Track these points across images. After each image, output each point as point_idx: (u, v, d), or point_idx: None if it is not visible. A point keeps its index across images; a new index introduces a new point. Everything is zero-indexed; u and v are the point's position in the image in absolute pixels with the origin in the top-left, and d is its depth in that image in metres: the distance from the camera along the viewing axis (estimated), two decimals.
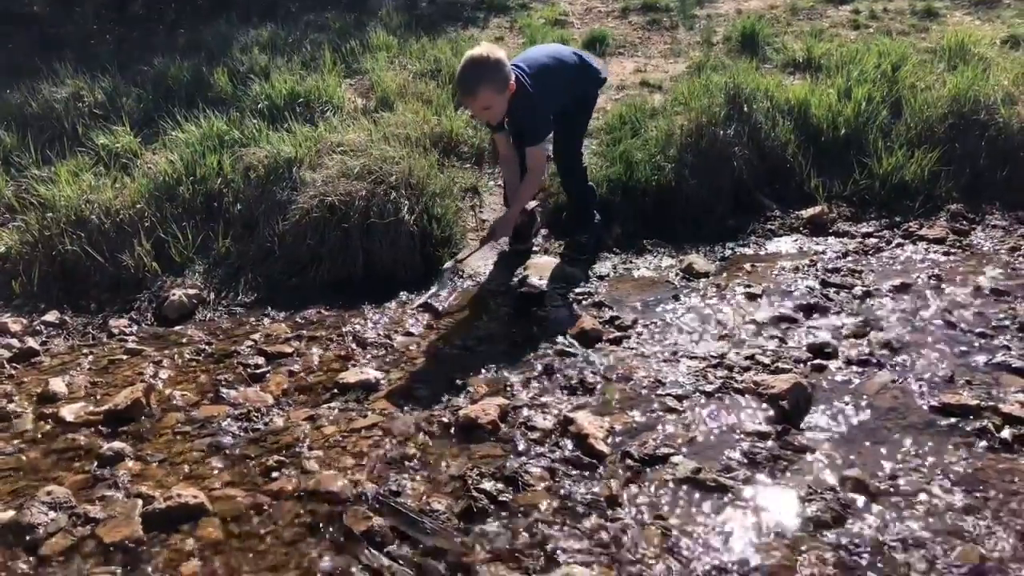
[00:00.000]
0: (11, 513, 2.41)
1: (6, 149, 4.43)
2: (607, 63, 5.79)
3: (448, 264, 3.81)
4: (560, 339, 3.27)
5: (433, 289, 3.73)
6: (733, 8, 6.66)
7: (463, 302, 3.65)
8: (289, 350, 3.31)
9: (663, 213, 4.22)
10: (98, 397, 3.04)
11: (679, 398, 2.84)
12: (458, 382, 3.01)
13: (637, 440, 2.63)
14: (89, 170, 4.27)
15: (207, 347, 3.36)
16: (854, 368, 2.97)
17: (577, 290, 3.68)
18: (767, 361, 3.03)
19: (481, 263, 3.96)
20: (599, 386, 2.95)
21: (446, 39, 5.98)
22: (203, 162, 4.18)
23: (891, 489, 2.39)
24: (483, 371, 3.09)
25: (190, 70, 5.19)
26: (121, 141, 4.49)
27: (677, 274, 3.78)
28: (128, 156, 4.42)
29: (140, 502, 2.44)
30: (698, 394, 2.86)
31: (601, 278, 3.80)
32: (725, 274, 3.76)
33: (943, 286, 3.51)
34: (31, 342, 3.43)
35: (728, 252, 3.98)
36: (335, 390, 3.02)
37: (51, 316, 3.61)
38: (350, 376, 3.08)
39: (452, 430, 2.74)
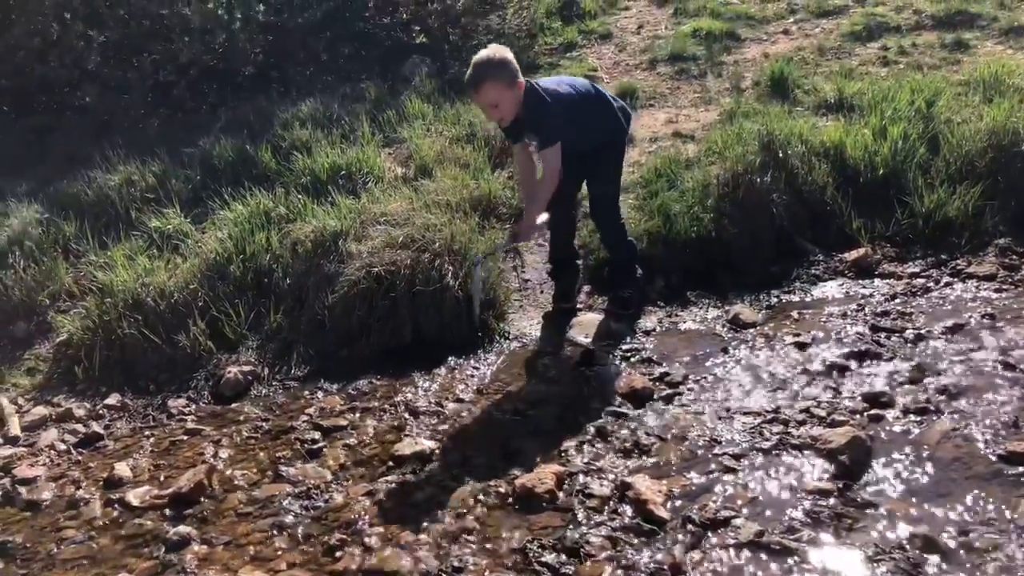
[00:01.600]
0: None
1: (65, 238, 4.62)
2: (638, 115, 5.88)
3: (477, 271, 3.84)
4: (611, 399, 3.28)
5: (475, 306, 3.84)
6: (760, 52, 6.71)
7: (511, 365, 3.68)
8: (344, 423, 3.36)
9: (705, 264, 4.22)
10: (162, 479, 3.11)
11: (736, 457, 2.82)
12: (512, 449, 3.03)
13: (697, 503, 2.61)
14: (143, 253, 4.42)
15: (264, 424, 3.43)
16: (912, 417, 2.92)
17: (624, 347, 3.69)
18: (823, 413, 3.00)
19: (527, 324, 4.00)
20: (654, 447, 2.95)
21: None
22: (251, 239, 4.31)
23: (962, 546, 2.33)
24: (536, 437, 3.10)
25: (234, 149, 5.37)
26: (172, 223, 4.65)
27: (724, 325, 3.77)
28: (179, 237, 4.57)
29: None
30: (755, 452, 2.83)
31: (647, 333, 3.81)
32: (772, 323, 3.74)
33: (998, 325, 3.45)
34: (95, 426, 3.54)
35: (774, 300, 3.97)
36: (391, 462, 3.06)
37: (113, 399, 3.72)
38: (405, 448, 3.11)
39: (509, 500, 2.75)
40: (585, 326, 3.89)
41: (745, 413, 3.07)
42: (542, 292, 4.29)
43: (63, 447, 3.41)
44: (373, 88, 6.38)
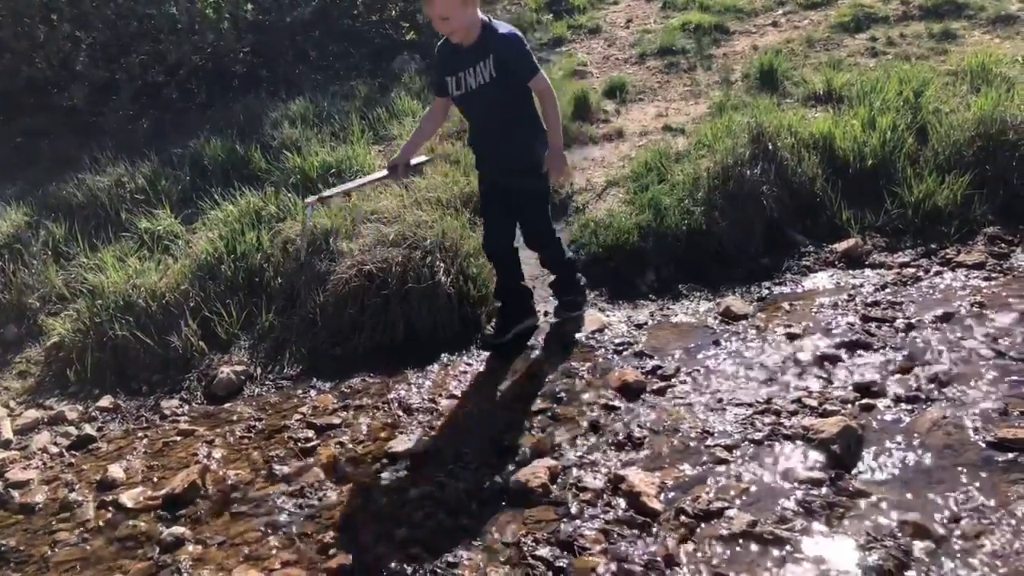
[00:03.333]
0: None
1: (55, 240, 4.60)
2: (628, 110, 5.89)
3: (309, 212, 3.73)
4: (604, 393, 3.29)
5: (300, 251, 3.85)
6: (749, 45, 6.71)
7: (505, 361, 3.69)
8: (337, 421, 3.36)
9: (696, 256, 4.23)
10: (155, 480, 3.11)
11: (728, 448, 2.83)
12: (506, 444, 3.03)
13: (690, 495, 2.62)
14: (134, 254, 4.41)
15: (257, 423, 3.42)
16: (903, 406, 2.93)
17: (617, 341, 3.69)
18: (814, 404, 3.01)
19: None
20: (647, 440, 2.95)
21: None
22: (242, 239, 4.30)
23: (953, 533, 2.35)
24: (530, 432, 3.11)
25: (224, 149, 5.36)
26: (162, 223, 4.64)
27: (715, 318, 3.78)
28: (170, 238, 4.56)
29: None
30: (747, 443, 2.84)
31: (639, 326, 3.82)
32: (764, 315, 3.75)
33: (987, 313, 3.47)
34: (88, 429, 3.53)
35: (765, 292, 3.98)
36: (385, 460, 3.06)
37: (105, 401, 3.71)
38: (399, 445, 3.12)
39: (503, 495, 2.75)
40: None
41: (737, 404, 3.08)
42: (535, 288, 4.28)
43: (56, 450, 3.40)
44: (362, 86, 6.37)
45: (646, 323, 3.84)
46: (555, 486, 2.75)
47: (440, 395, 3.47)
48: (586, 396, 3.29)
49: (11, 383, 3.91)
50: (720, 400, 3.13)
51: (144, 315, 3.96)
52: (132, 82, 5.90)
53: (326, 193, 3.63)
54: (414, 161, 3.63)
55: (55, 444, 3.44)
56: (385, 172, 3.64)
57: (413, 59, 6.89)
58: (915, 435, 2.77)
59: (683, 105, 5.83)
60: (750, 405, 3.06)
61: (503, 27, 3.33)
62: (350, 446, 3.19)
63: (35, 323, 4.18)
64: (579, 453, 2.93)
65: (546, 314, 3.96)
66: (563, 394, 3.33)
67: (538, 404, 3.29)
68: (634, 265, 4.22)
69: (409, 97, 6.00)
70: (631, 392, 3.26)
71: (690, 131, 5.28)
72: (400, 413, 3.38)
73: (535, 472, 2.79)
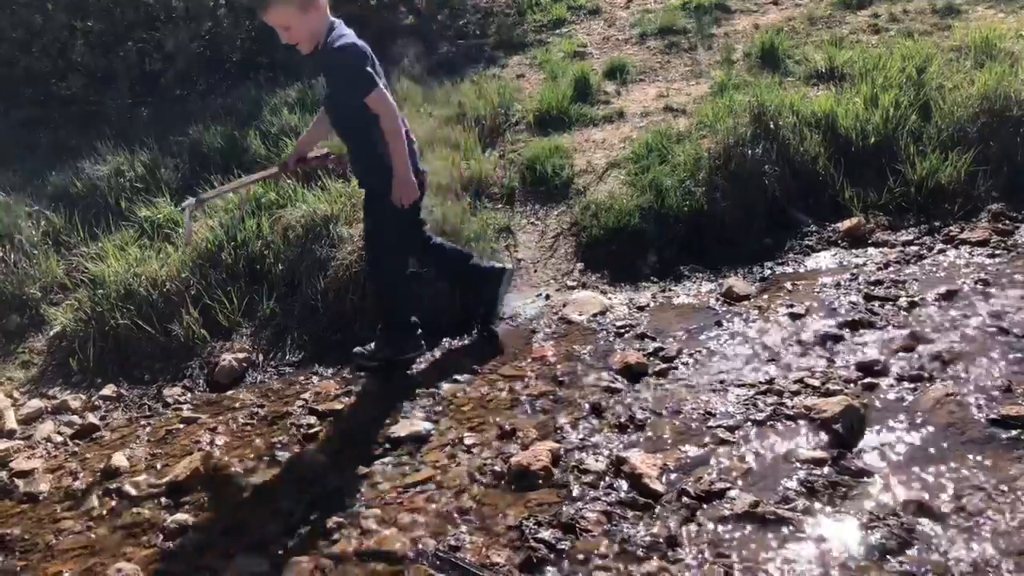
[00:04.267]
0: None
1: (55, 229, 4.59)
2: (629, 91, 5.85)
3: (187, 215, 3.50)
4: (605, 375, 3.28)
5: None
6: (750, 24, 6.66)
7: (505, 345, 3.68)
8: (339, 407, 3.36)
9: (698, 237, 4.21)
10: (159, 468, 3.11)
11: (730, 429, 2.82)
12: (507, 427, 3.03)
13: (692, 476, 2.62)
14: (134, 243, 4.39)
15: (260, 410, 3.42)
16: (906, 384, 2.92)
17: (619, 323, 3.68)
18: (816, 383, 3.00)
19: (520, 303, 4.00)
20: (649, 422, 2.95)
21: (468, 82, 6.07)
22: (242, 226, 4.28)
23: (956, 510, 2.34)
24: (531, 414, 3.11)
25: (223, 136, 5.33)
26: (162, 212, 4.63)
27: (718, 299, 3.77)
28: (170, 226, 4.54)
29: (208, 574, 2.48)
30: (749, 423, 2.84)
31: (641, 308, 3.80)
32: (766, 295, 3.73)
33: (991, 290, 3.45)
34: (91, 417, 3.53)
35: (767, 272, 3.96)
36: (387, 445, 3.06)
37: (108, 390, 3.71)
38: (400, 429, 3.11)
39: (505, 478, 2.75)
40: (580, 304, 3.88)
41: (739, 385, 3.07)
42: (535, 271, 4.28)
43: (60, 439, 3.41)
44: None
45: (648, 305, 3.83)
46: (557, 469, 2.75)
47: (442, 380, 3.46)
48: (588, 379, 3.29)
49: (14, 373, 3.92)
50: (722, 381, 3.12)
51: (146, 304, 3.95)
52: (130, 71, 5.87)
53: (206, 195, 3.42)
54: (309, 155, 3.50)
55: (59, 433, 3.44)
56: (274, 170, 3.49)
57: (412, 43, 6.85)
58: (918, 414, 2.76)
59: (684, 85, 5.79)
60: (752, 386, 3.06)
61: (340, 37, 3.04)
62: (352, 432, 3.18)
63: (37, 313, 4.18)
64: (581, 435, 2.92)
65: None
66: (564, 377, 3.33)
67: (540, 387, 3.28)
68: (635, 247, 4.20)
69: (409, 81, 5.96)
70: (633, 374, 3.26)
71: (691, 111, 5.24)
72: (402, 398, 3.37)
73: (536, 455, 2.78)
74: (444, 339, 3.77)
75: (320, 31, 3.04)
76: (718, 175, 4.35)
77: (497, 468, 2.80)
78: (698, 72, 5.97)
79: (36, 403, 3.67)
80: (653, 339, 3.50)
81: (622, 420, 2.98)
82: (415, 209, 3.41)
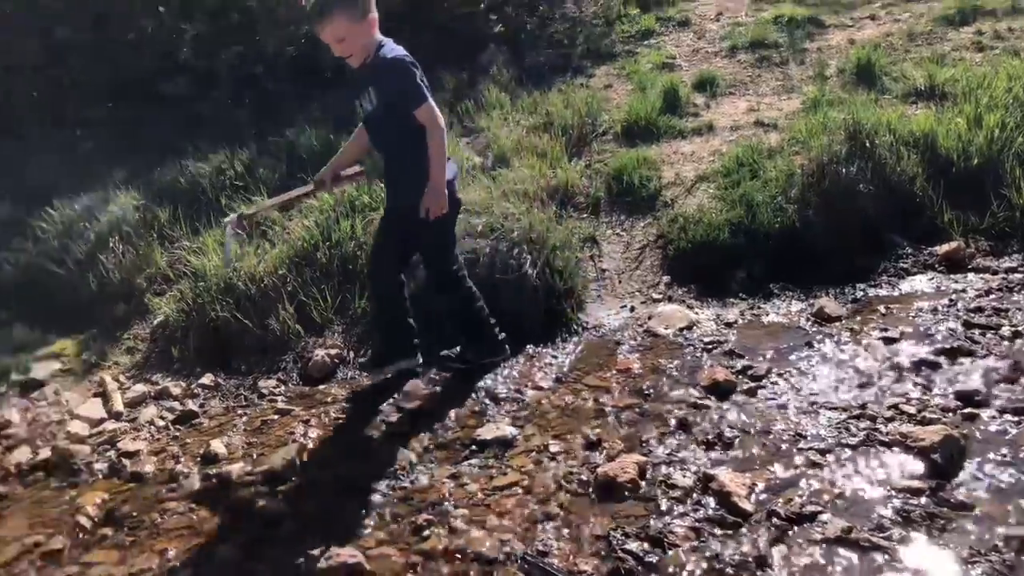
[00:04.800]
0: (187, 572, 2.60)
1: (160, 223, 4.81)
2: (718, 104, 5.81)
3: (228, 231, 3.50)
4: (692, 391, 3.28)
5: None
6: (845, 39, 6.53)
7: (589, 355, 3.71)
8: (427, 406, 3.43)
9: (788, 255, 4.16)
10: (255, 457, 3.24)
11: (822, 452, 2.79)
12: (592, 437, 3.05)
13: (781, 497, 2.60)
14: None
15: (350, 405, 3.53)
16: (1009, 417, 2.83)
17: (706, 339, 3.67)
18: (912, 411, 2.93)
19: (604, 314, 4.02)
20: (737, 440, 2.93)
21: (556, 91, 6.12)
22: (337, 227, 4.41)
23: None
24: (617, 426, 3.13)
25: (319, 138, 5.50)
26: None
27: (808, 319, 3.72)
28: (267, 224, 4.71)
29: (303, 561, 2.58)
30: (841, 447, 2.80)
31: (729, 325, 3.78)
32: (859, 317, 3.67)
33: None
34: (191, 404, 3.70)
35: (860, 294, 3.89)
36: (473, 446, 3.12)
37: (207, 379, 3.88)
38: (486, 432, 3.17)
39: (591, 488, 2.78)
40: (665, 317, 3.88)
41: (831, 408, 3.03)
42: (620, 282, 4.30)
43: (162, 423, 3.58)
44: (451, 78, 6.45)
45: (736, 322, 3.80)
46: (644, 482, 2.76)
47: (526, 386, 3.51)
48: (674, 393, 3.29)
49: (120, 358, 4.12)
50: (813, 403, 3.08)
51: (244, 298, 4.11)
52: (231, 73, 6.11)
53: (248, 211, 3.46)
54: (343, 173, 3.55)
55: (161, 418, 3.61)
56: (311, 187, 3.52)
57: (501, 51, 6.94)
58: (1021, 448, 2.68)
59: (775, 100, 5.72)
60: (844, 409, 3.01)
61: (392, 50, 3.14)
62: (439, 431, 3.26)
63: (142, 302, 4.39)
64: (668, 450, 2.93)
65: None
66: (651, 390, 3.33)
67: (625, 399, 3.30)
68: (724, 262, 4.18)
69: (497, 89, 6.05)
70: (721, 391, 3.24)
71: (783, 127, 5.18)
72: (487, 401, 3.43)
73: (623, 467, 2.80)
74: (528, 345, 3.82)
75: (371, 45, 3.13)
76: (811, 192, 4.30)
77: (583, 477, 2.83)
78: (790, 87, 5.89)
79: (140, 388, 3.86)
80: (741, 357, 3.48)
81: (710, 437, 2.97)
82: (451, 227, 3.51)
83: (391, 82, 3.13)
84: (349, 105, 6.03)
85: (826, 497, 2.58)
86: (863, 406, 3.00)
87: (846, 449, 2.79)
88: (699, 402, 3.20)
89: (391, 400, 3.52)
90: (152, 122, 6.11)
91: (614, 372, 3.53)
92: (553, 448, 3.03)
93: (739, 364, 3.42)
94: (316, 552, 2.60)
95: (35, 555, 2.82)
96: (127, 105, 6.22)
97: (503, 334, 3.69)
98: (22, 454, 3.45)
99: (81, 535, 2.90)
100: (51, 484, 3.26)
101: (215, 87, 6.07)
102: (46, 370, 4.08)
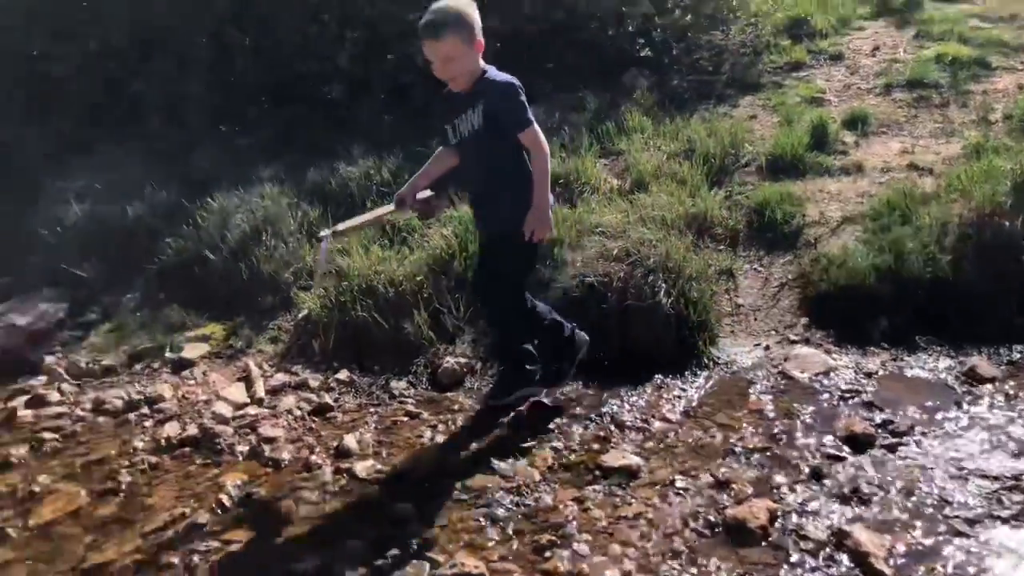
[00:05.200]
0: (318, 561, 2.72)
1: (310, 221, 5.05)
2: (869, 143, 5.60)
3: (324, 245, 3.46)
4: (828, 440, 3.18)
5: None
6: (1013, 83, 6.17)
7: (720, 391, 3.65)
8: (551, 426, 3.46)
9: (938, 308, 3.97)
10: (384, 456, 3.35)
11: (969, 522, 2.65)
12: (721, 477, 3.01)
13: (923, 565, 2.49)
14: (376, 242, 4.74)
15: (477, 416, 3.60)
16: None
17: (843, 387, 3.55)
18: None
19: (737, 351, 3.95)
20: (875, 498, 2.82)
21: (699, 118, 6.06)
22: (473, 238, 4.50)
23: None
24: (746, 468, 3.06)
25: None
26: (402, 217, 4.96)
27: (957, 377, 3.54)
28: (408, 231, 4.87)
29: (428, 565, 2.65)
30: (992, 519, 2.65)
31: (869, 375, 3.64)
32: (1014, 380, 3.46)
33: None
34: (327, 398, 3.86)
35: (1017, 355, 3.67)
36: (597, 472, 3.12)
37: (343, 375, 4.04)
38: (612, 459, 3.17)
39: (719, 529, 2.73)
40: (802, 361, 3.78)
41: (981, 476, 2.87)
42: (755, 319, 4.21)
43: (299, 413, 3.74)
44: (593, 99, 6.49)
45: (876, 372, 3.66)
46: (774, 529, 2.69)
47: (653, 416, 3.49)
48: (808, 441, 3.19)
49: (264, 347, 4.35)
50: (960, 468, 2.93)
51: (383, 300, 4.26)
52: (384, 82, 6.35)
53: (340, 227, 3.49)
54: (419, 195, 3.54)
55: (299, 408, 3.78)
56: (393, 207, 3.53)
57: (643, 74, 6.93)
58: None
59: (932, 143, 5.47)
60: (996, 478, 2.85)
61: (500, 75, 3.19)
62: (563, 452, 3.28)
63: (288, 296, 4.61)
64: (800, 499, 2.85)
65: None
66: (783, 435, 3.25)
67: (756, 442, 3.23)
68: (867, 309, 4.02)
69: (639, 113, 6.04)
70: (858, 444, 3.13)
71: (939, 172, 4.95)
72: (612, 428, 3.43)
73: (753, 511, 2.74)
74: (657, 375, 3.79)
75: (477, 69, 3.17)
76: (968, 244, 4.09)
77: (711, 517, 2.79)
78: (949, 131, 5.61)
79: (281, 377, 4.06)
80: (881, 410, 3.35)
81: (845, 491, 2.87)
82: (536, 256, 3.49)
83: (500, 105, 3.14)
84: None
85: (972, 571, 2.45)
86: (1017, 477, 2.83)
87: (997, 522, 2.64)
88: (834, 453, 3.09)
89: (517, 416, 3.56)
90: (306, 124, 6.41)
91: (745, 412, 3.46)
92: (679, 483, 3.00)
93: (879, 417, 3.29)
94: (440, 558, 2.67)
95: (180, 526, 3.00)
96: (284, 106, 6.56)
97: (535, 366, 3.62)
98: (172, 428, 3.68)
99: (221, 512, 3.08)
100: (196, 460, 3.47)
101: (368, 94, 6.32)
102: (196, 351, 4.35)
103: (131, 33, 6.41)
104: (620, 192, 5.11)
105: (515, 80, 3.19)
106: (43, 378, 4.29)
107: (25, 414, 3.96)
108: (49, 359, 4.46)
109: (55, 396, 4.09)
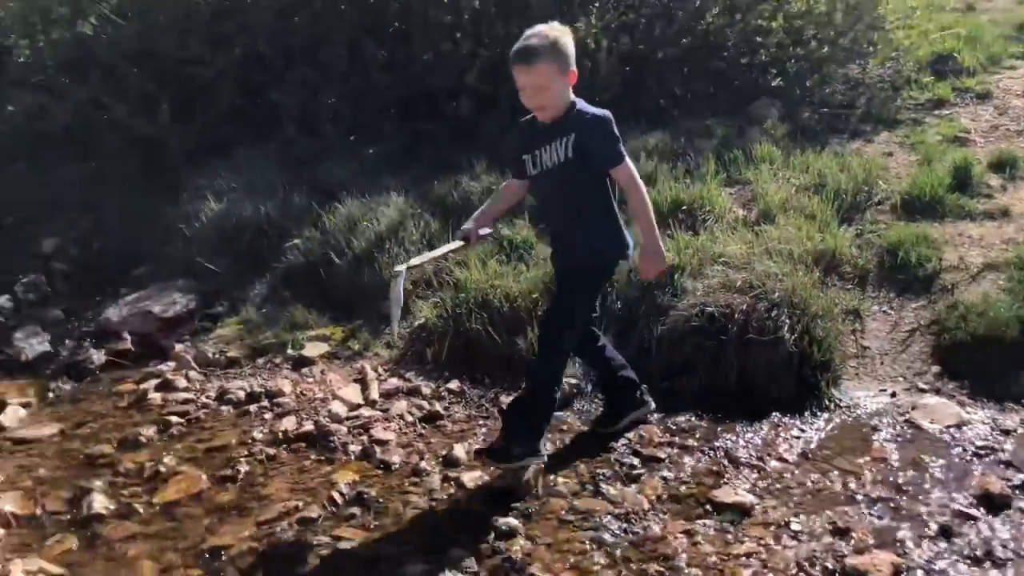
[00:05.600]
0: (425, 567, 2.75)
1: (432, 233, 5.15)
2: (1017, 188, 5.29)
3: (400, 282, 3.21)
4: (959, 497, 2.99)
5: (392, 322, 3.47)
6: None
7: (842, 436, 3.50)
8: (662, 456, 3.40)
9: None
10: (491, 469, 3.35)
11: None
12: (840, 525, 2.87)
13: None
14: (493, 257, 4.79)
15: (585, 438, 3.57)
16: None
17: (978, 443, 3.33)
18: None
19: (861, 394, 3.78)
20: (1010, 563, 2.63)
21: (831, 152, 5.87)
22: None
23: None
24: (867, 517, 2.92)
25: None
26: (520, 233, 5.01)
27: None
28: (525, 247, 4.90)
29: None
30: None
31: (1006, 432, 3.41)
32: None
33: None
34: (437, 406, 3.91)
35: None
36: (708, 506, 3.04)
37: (453, 385, 4.08)
38: (724, 495, 3.08)
39: None
40: (931, 411, 3.58)
41: None
42: (882, 363, 4.02)
43: (410, 419, 3.81)
44: (721, 126, 6.38)
45: (1015, 430, 3.42)
46: None
47: (769, 455, 3.38)
48: (936, 495, 3.02)
49: (380, 351, 4.46)
50: None
51: (497, 314, 4.29)
52: (511, 99, 6.43)
53: (414, 261, 3.44)
54: (481, 232, 3.44)
55: (410, 413, 3.85)
56: (461, 243, 3.45)
57: (774, 105, 6.76)
58: None
59: None
60: None
61: (591, 108, 3.11)
62: (673, 483, 3.21)
63: (407, 303, 4.71)
64: (927, 556, 2.69)
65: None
66: (909, 487, 3.08)
67: (878, 491, 3.07)
68: (1007, 362, 3.78)
69: (770, 143, 5.90)
70: (993, 504, 2.93)
71: None
72: (725, 463, 3.34)
73: (875, 563, 2.61)
74: (774, 413, 3.67)
75: (567, 100, 3.08)
76: None
77: (828, 565, 2.67)
78: None
79: (395, 382, 4.14)
80: (1020, 471, 3.13)
81: (977, 552, 2.69)
82: (594, 300, 3.42)
83: (593, 136, 3.06)
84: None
85: None
86: None
87: None
88: (965, 510, 2.91)
89: (626, 441, 3.52)
90: (432, 138, 6.57)
91: (868, 459, 3.30)
92: (795, 526, 2.89)
93: (1017, 478, 3.07)
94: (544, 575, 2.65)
95: (292, 519, 3.10)
96: (413, 120, 6.74)
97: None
98: (289, 423, 3.81)
99: (333, 509, 3.15)
100: (311, 455, 3.58)
101: (494, 110, 6.41)
102: (316, 350, 4.50)
103: (275, 42, 6.73)
104: (745, 222, 5.00)
105: (608, 114, 3.12)
106: (172, 364, 4.53)
107: (155, 397, 4.18)
108: (179, 347, 4.70)
109: (182, 382, 4.31)
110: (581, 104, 3.12)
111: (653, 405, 3.70)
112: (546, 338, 3.33)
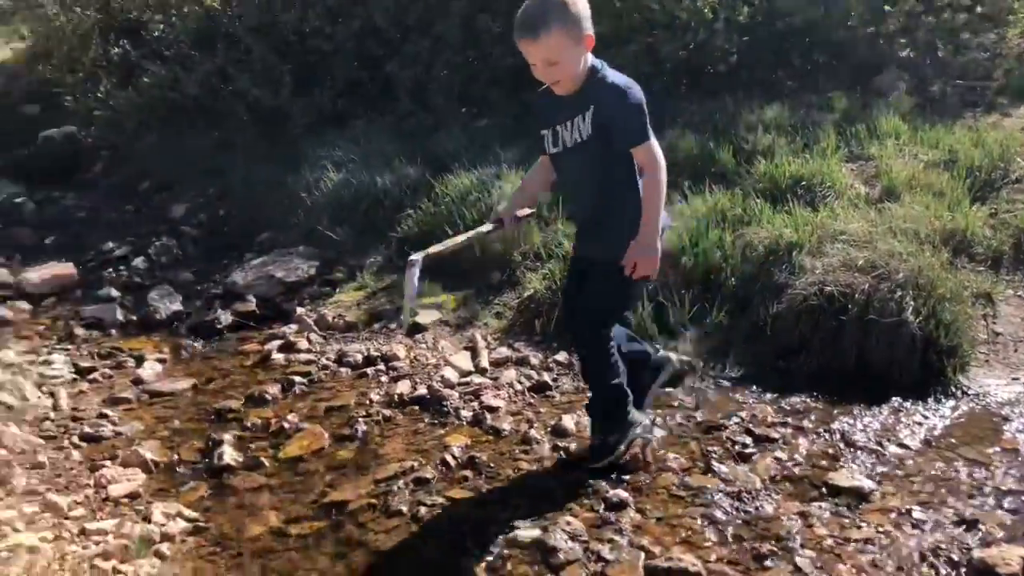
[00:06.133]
0: (537, 532, 2.79)
1: (540, 205, 5.16)
2: None
3: (413, 272, 2.93)
4: None
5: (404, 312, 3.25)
6: None
7: (968, 423, 3.36)
8: (776, 436, 3.34)
9: None
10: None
11: None
12: (967, 515, 2.76)
13: None
14: None
15: (696, 415, 3.54)
16: None
17: None
18: None
19: (991, 381, 3.61)
20: None
21: (963, 127, 5.56)
22: (706, 235, 4.42)
23: None
24: (997, 510, 2.80)
25: (697, 144, 5.55)
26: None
27: None
28: None
29: (642, 554, 2.65)
30: None
31: None
32: None
33: None
34: (546, 376, 3.95)
35: None
36: (823, 489, 2.98)
37: (561, 356, 4.11)
38: (840, 478, 3.01)
39: (963, 570, 2.51)
40: None
41: None
42: (1015, 350, 3.82)
43: (519, 387, 3.87)
44: (843, 99, 6.13)
45: None
46: None
47: (888, 440, 3.27)
48: None
49: (489, 320, 4.54)
50: None
51: None
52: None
53: (432, 250, 3.13)
54: (518, 213, 3.16)
55: (519, 382, 3.90)
56: (491, 227, 3.18)
57: (902, 77, 6.45)
58: None
59: None
60: None
61: (614, 75, 2.73)
62: (787, 464, 3.15)
63: (514, 274, 4.77)
64: None
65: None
66: None
67: (1010, 483, 2.94)
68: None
69: (896, 117, 5.63)
70: None
71: None
72: (841, 446, 3.26)
73: (1005, 557, 2.50)
74: (895, 396, 3.55)
75: (585, 69, 2.72)
76: None
77: (953, 556, 2.57)
78: None
79: (504, 351, 4.21)
80: None
81: None
82: (638, 292, 3.15)
83: (613, 109, 2.69)
84: (731, 113, 6.02)
85: None
86: None
87: None
88: None
89: (738, 419, 3.47)
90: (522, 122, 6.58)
91: (998, 449, 3.15)
92: (916, 515, 2.79)
93: None
94: (656, 549, 2.66)
95: (408, 478, 3.20)
96: (523, 92, 6.75)
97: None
98: (404, 386, 3.93)
99: (446, 471, 3.25)
100: (424, 418, 3.68)
101: None
102: (429, 318, 4.61)
103: (393, 16, 6.86)
104: (867, 200, 4.81)
105: (632, 84, 2.73)
106: (294, 327, 4.74)
107: (278, 357, 4.39)
108: (300, 310, 4.91)
109: (304, 344, 4.50)
110: (603, 70, 2.75)
111: (646, 425, 3.29)
112: (583, 341, 3.09)
